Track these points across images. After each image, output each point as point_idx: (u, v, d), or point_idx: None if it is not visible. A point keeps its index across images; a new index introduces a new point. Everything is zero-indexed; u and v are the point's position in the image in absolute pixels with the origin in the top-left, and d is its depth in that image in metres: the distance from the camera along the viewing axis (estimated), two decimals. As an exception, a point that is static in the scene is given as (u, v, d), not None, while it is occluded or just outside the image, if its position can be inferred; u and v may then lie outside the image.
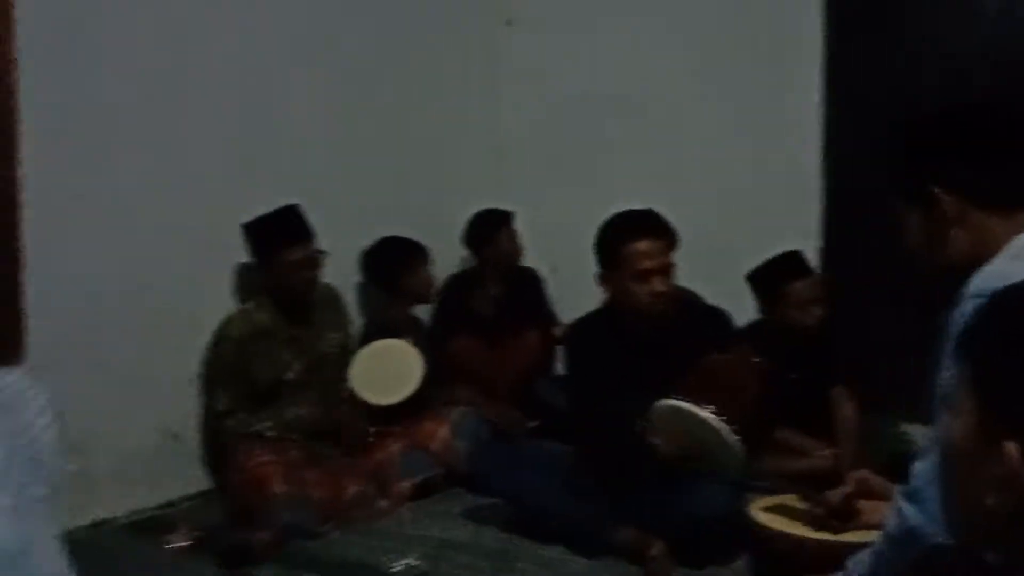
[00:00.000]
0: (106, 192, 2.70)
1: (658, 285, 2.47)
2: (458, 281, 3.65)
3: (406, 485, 2.90)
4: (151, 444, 2.81)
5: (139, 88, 2.77)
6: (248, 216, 2.91)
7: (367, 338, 3.18)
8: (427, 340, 3.36)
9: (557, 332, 3.51)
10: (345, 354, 3.07)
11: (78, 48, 2.62)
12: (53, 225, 2.54)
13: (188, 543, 2.50)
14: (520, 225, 3.67)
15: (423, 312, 3.55)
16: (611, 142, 3.74)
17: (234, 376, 2.88)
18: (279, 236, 2.90)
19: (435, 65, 3.76)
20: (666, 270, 2.49)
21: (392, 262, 3.39)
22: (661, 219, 2.53)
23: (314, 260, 2.97)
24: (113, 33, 2.72)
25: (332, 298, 3.18)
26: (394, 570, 2.41)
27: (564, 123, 3.87)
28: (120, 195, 2.74)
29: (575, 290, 3.34)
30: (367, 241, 3.41)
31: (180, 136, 2.90)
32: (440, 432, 3.03)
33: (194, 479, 2.92)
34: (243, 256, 3.00)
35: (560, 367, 3.38)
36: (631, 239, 2.48)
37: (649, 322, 2.51)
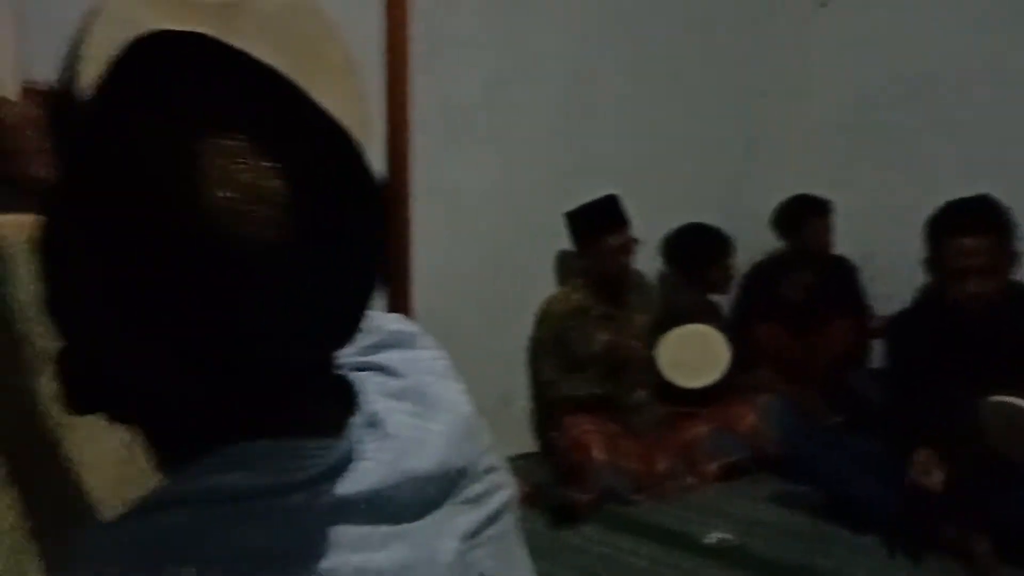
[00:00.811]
0: (460, 185, 3.03)
1: (973, 286, 2.35)
2: (765, 267, 3.68)
3: (713, 465, 3.02)
4: (488, 408, 3.14)
5: (483, 88, 3.10)
6: (570, 206, 3.16)
7: (665, 323, 3.31)
8: (728, 326, 3.44)
9: (873, 324, 3.45)
10: (650, 337, 3.24)
11: (441, 51, 2.95)
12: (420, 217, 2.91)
13: (521, 497, 2.78)
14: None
15: (722, 299, 3.62)
16: (929, 125, 3.57)
17: (556, 349, 3.15)
18: (600, 224, 3.13)
19: (742, 50, 3.79)
20: (987, 268, 2.35)
21: (695, 251, 3.50)
22: (992, 212, 2.39)
23: (630, 246, 3.17)
24: (464, 35, 3.05)
25: (641, 283, 3.37)
26: (707, 541, 2.54)
27: (876, 106, 3.75)
28: (469, 188, 3.08)
29: (890, 279, 3.25)
30: (669, 229, 3.55)
31: (515, 134, 3.21)
32: (748, 416, 3.10)
33: (523, 441, 3.23)
34: (564, 243, 3.25)
35: (875, 359, 3.33)
36: (951, 235, 2.38)
37: (975, 315, 2.42)
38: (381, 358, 0.72)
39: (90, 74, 1.74)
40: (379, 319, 0.74)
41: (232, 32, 1.81)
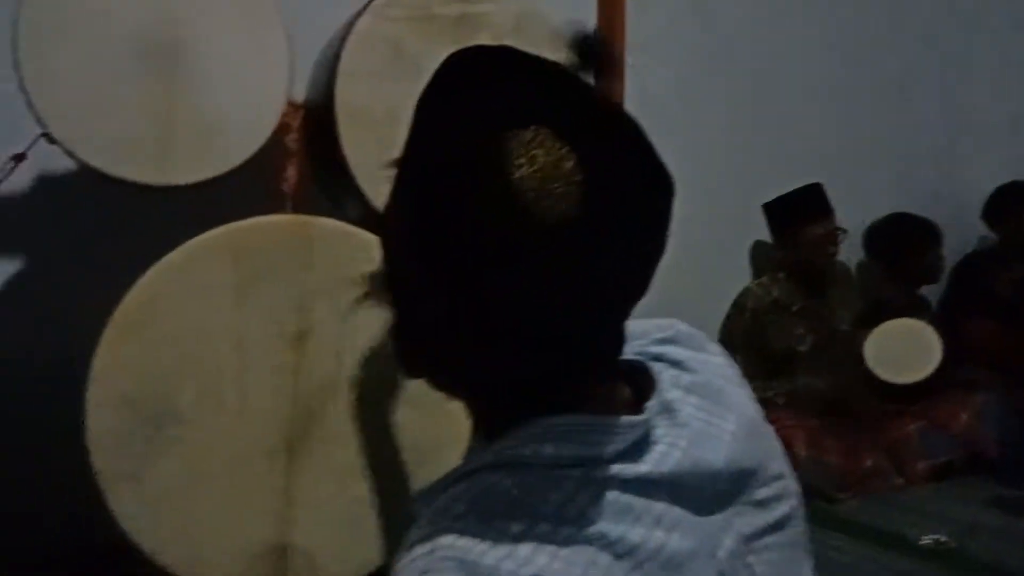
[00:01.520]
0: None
1: None
2: (976, 260, 3.49)
3: (923, 465, 2.89)
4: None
5: (676, 80, 3.10)
6: (766, 197, 3.11)
7: (870, 317, 3.20)
8: (936, 320, 3.28)
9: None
10: (855, 330, 3.13)
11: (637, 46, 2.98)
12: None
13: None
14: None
15: (928, 291, 3.46)
16: None
17: (749, 344, 3.10)
18: (802, 213, 3.05)
19: (945, 27, 3.61)
20: None
21: (901, 242, 3.36)
22: None
23: (834, 236, 3.08)
24: (657, 29, 3.06)
25: (845, 275, 3.26)
26: (923, 543, 2.44)
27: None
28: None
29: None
30: (871, 219, 3.42)
31: (707, 124, 3.19)
32: (961, 414, 2.95)
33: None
34: (759, 234, 3.20)
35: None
36: None
37: None
38: (673, 352, 0.77)
39: (347, 89, 1.89)
40: (661, 321, 0.80)
41: (469, 42, 1.91)
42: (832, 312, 3.15)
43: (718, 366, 0.78)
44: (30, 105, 1.64)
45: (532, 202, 0.62)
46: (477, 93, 0.67)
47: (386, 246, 0.71)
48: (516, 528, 0.63)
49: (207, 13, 1.72)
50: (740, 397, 0.76)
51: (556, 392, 0.67)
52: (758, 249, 3.33)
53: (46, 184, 2.10)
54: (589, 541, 0.63)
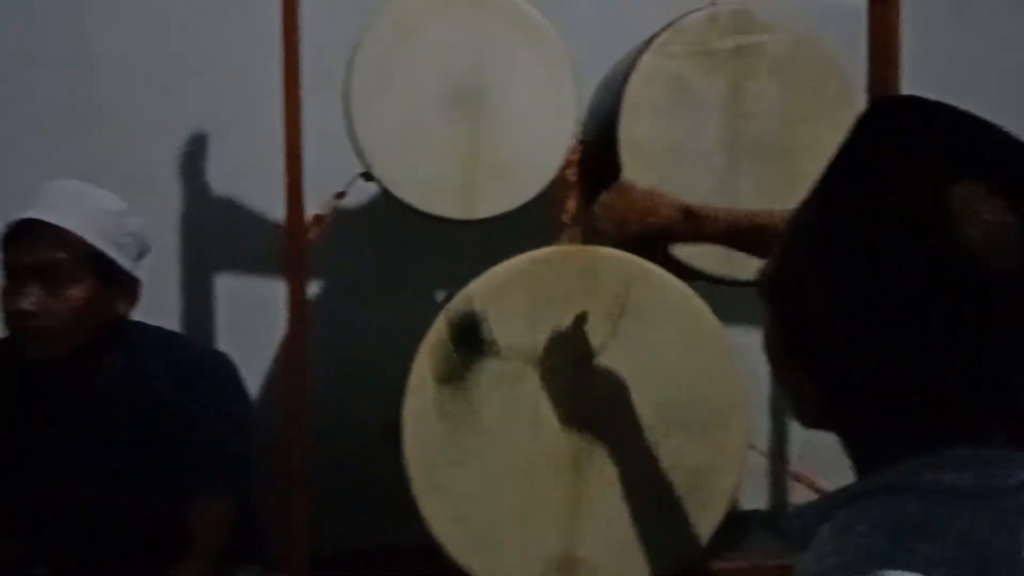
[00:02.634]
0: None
1: None
2: None
3: None
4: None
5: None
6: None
7: None
8: None
9: None
10: None
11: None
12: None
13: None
14: None
15: None
16: None
17: None
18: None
19: None
20: None
21: None
22: None
23: None
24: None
25: None
26: None
27: None
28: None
29: None
30: None
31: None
32: None
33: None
34: None
35: None
36: None
37: None
38: None
39: (631, 125, 1.99)
40: None
41: (747, 73, 1.97)
42: None
43: None
44: (358, 150, 1.88)
45: (977, 256, 0.66)
46: (914, 143, 0.70)
47: (789, 294, 0.76)
48: (926, 551, 0.67)
49: (509, 60, 1.89)
50: None
51: (960, 424, 0.71)
52: None
53: (358, 216, 2.37)
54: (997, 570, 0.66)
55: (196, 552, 1.67)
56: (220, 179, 2.35)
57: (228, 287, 2.37)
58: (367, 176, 1.97)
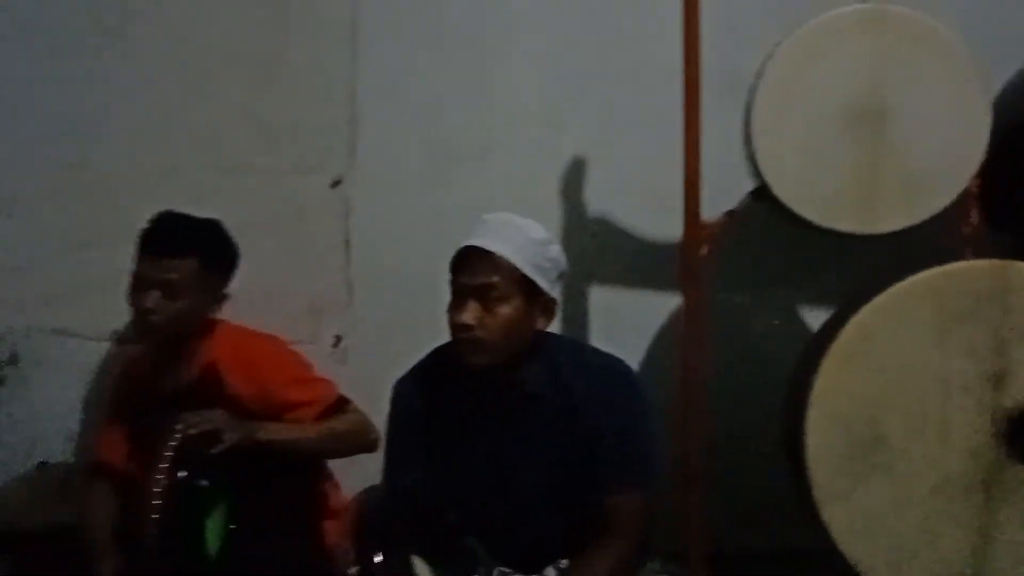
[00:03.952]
0: None
1: None
2: None
3: None
4: None
5: None
6: None
7: None
8: None
9: None
10: None
11: None
12: None
13: None
14: None
15: None
16: None
17: None
18: None
19: None
20: None
21: None
22: None
23: None
24: None
25: None
26: None
27: None
28: None
29: None
30: None
31: None
32: None
33: None
34: None
35: None
36: None
37: None
38: None
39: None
40: None
41: None
42: None
43: None
44: (757, 172, 1.96)
45: None
46: None
47: None
48: None
49: (913, 76, 1.90)
50: None
51: None
52: None
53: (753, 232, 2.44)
54: None
55: (612, 540, 1.79)
56: (594, 199, 2.53)
57: (599, 299, 2.53)
58: (757, 194, 2.04)
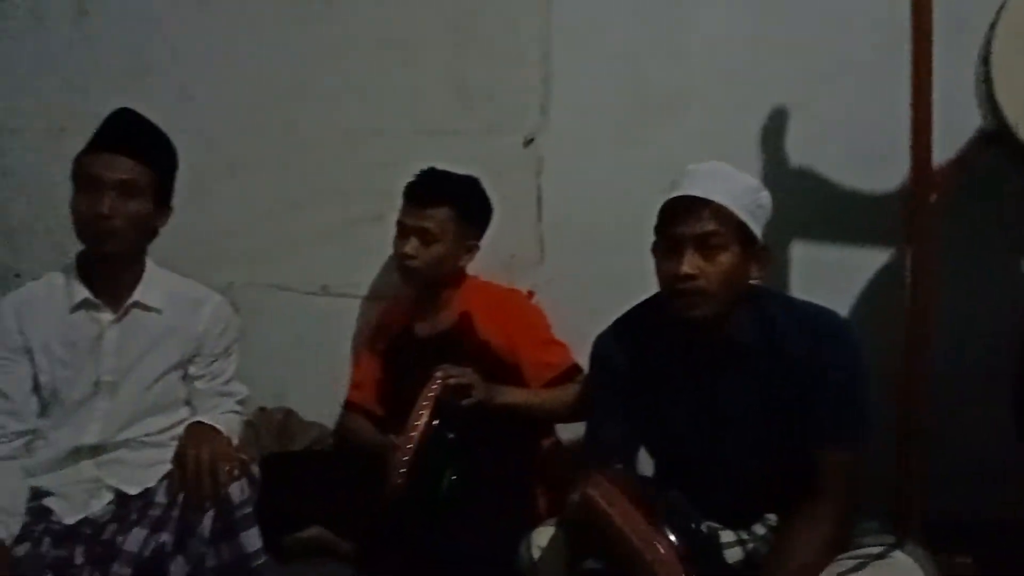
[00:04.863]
0: None
1: None
2: None
3: None
4: None
5: None
6: None
7: None
8: None
9: None
10: None
11: None
12: None
13: None
14: None
15: None
16: None
17: None
18: None
19: None
20: None
21: None
22: None
23: None
24: None
25: None
26: None
27: None
28: None
29: None
30: None
31: None
32: None
33: None
34: None
35: None
36: None
37: None
38: None
39: None
40: None
41: None
42: None
43: None
44: (996, 112, 1.82)
45: None
46: None
47: None
48: None
49: None
50: None
51: None
52: None
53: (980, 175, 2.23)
54: None
55: (822, 501, 1.73)
56: (797, 150, 2.43)
57: (800, 252, 2.44)
58: (987, 139, 1.89)
